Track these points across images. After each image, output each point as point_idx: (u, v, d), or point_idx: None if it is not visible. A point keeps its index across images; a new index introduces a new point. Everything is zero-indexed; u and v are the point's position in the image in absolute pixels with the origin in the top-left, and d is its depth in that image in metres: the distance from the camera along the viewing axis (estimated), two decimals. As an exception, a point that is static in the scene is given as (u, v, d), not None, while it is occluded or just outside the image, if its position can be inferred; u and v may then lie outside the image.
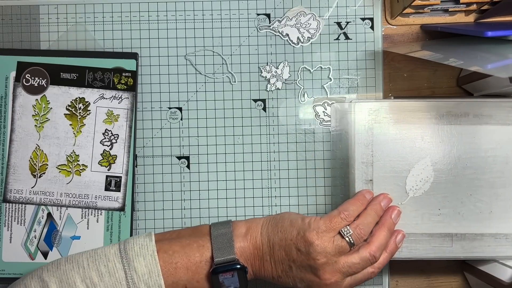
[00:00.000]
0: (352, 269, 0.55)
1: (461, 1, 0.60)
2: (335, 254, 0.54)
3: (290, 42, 0.66)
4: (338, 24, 0.66)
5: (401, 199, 0.61)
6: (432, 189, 0.61)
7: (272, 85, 0.66)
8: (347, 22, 0.66)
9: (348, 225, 0.55)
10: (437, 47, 0.61)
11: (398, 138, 0.61)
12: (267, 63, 0.66)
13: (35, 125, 0.63)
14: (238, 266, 0.55)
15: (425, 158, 0.61)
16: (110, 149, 0.63)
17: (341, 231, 0.55)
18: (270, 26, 0.66)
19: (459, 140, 0.60)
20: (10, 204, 0.63)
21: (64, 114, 0.63)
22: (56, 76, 0.63)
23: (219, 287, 0.55)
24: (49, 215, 0.63)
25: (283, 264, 0.56)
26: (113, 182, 0.63)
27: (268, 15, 0.66)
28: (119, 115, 0.64)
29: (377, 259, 0.56)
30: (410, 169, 0.61)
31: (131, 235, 0.64)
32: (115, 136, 0.64)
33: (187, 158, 0.66)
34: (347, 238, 0.55)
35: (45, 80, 0.63)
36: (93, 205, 0.63)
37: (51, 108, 0.63)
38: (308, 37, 0.66)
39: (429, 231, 0.61)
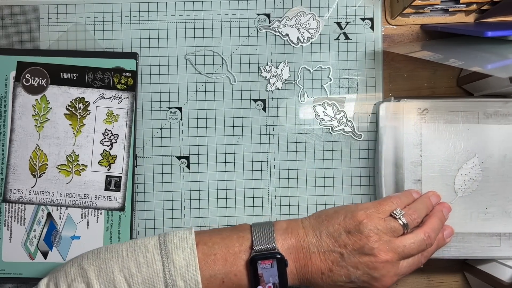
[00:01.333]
0: (408, 250, 0.53)
1: (461, 1, 0.60)
2: (386, 232, 0.53)
3: (290, 42, 0.66)
4: (338, 24, 0.66)
5: (450, 199, 0.61)
6: (480, 188, 0.61)
7: (272, 85, 0.66)
8: (347, 22, 0.66)
9: (400, 208, 0.55)
10: (437, 47, 0.61)
11: (446, 137, 0.61)
12: (267, 63, 0.66)
13: (35, 125, 0.63)
14: (278, 256, 0.53)
15: (473, 157, 0.61)
16: (110, 149, 0.63)
17: (393, 213, 0.54)
18: (270, 26, 0.66)
19: (507, 139, 0.61)
20: (10, 204, 0.63)
21: (64, 114, 0.63)
22: (56, 76, 0.63)
23: (257, 280, 0.53)
24: (49, 215, 0.63)
25: (333, 253, 0.53)
26: (113, 182, 0.63)
27: (268, 15, 0.66)
28: (119, 115, 0.64)
29: (432, 242, 0.54)
30: (459, 169, 0.61)
31: (131, 235, 0.64)
32: (115, 136, 0.64)
33: (187, 158, 0.66)
34: (399, 220, 0.53)
35: (45, 80, 0.63)
36: (93, 205, 0.63)
37: (51, 108, 0.63)
38: (308, 37, 0.66)
39: (477, 231, 0.61)
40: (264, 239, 0.54)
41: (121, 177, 0.63)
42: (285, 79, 0.66)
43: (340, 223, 0.54)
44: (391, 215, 0.54)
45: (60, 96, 0.63)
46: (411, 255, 0.54)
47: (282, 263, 0.53)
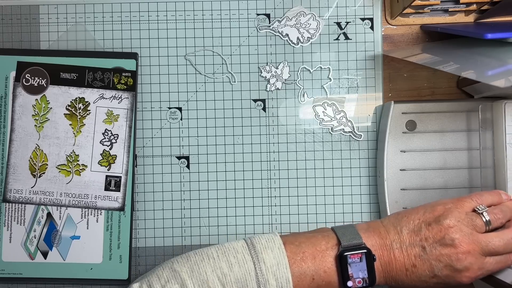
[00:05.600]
0: (493, 247, 0.53)
1: (461, 1, 0.60)
2: (468, 225, 0.53)
3: (290, 42, 0.66)
4: (338, 24, 0.66)
5: None
6: None
7: (272, 85, 0.66)
8: (347, 22, 0.66)
9: (484, 205, 0.54)
10: (437, 50, 0.61)
11: None
12: (267, 63, 0.66)
13: (35, 125, 0.63)
14: (366, 251, 0.53)
15: None
16: (110, 149, 0.64)
17: (476, 208, 0.54)
18: (270, 26, 0.66)
19: None
20: (10, 204, 0.63)
21: (64, 114, 0.63)
22: (56, 76, 0.63)
23: (347, 275, 0.53)
24: (49, 215, 0.63)
25: (415, 247, 0.53)
26: (113, 182, 0.63)
27: (268, 15, 0.66)
28: (119, 115, 0.64)
29: None
30: None
31: (131, 235, 0.64)
32: (115, 136, 0.64)
33: (187, 158, 0.66)
34: (482, 216, 0.53)
35: (45, 80, 0.63)
36: (93, 205, 0.63)
37: (51, 108, 0.63)
38: (308, 37, 0.66)
39: None
40: (350, 236, 0.54)
41: (121, 177, 0.64)
42: (285, 79, 0.66)
43: (419, 218, 0.54)
44: (474, 211, 0.54)
45: (60, 96, 0.63)
46: (498, 253, 0.53)
47: (370, 257, 0.53)
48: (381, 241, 0.54)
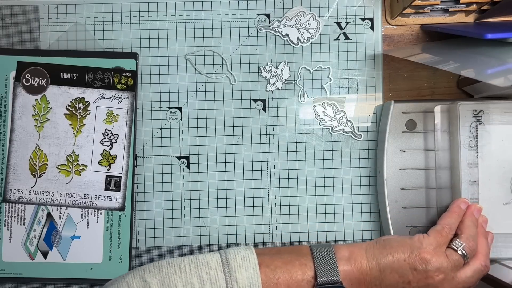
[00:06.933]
0: (468, 284, 0.54)
1: (461, 1, 0.60)
2: (452, 269, 0.53)
3: (290, 42, 0.66)
4: (338, 24, 0.66)
5: (506, 199, 0.61)
6: None
7: (272, 85, 0.66)
8: (347, 22, 0.66)
9: (458, 239, 0.55)
10: (437, 50, 0.61)
11: (502, 138, 0.61)
12: (267, 63, 0.66)
13: (35, 125, 0.63)
14: None
15: None
16: (110, 149, 0.64)
17: (453, 245, 0.54)
18: (270, 26, 0.66)
19: None
20: (10, 204, 0.63)
21: (64, 114, 0.63)
22: (56, 76, 0.63)
23: None
24: (49, 215, 0.63)
25: None
26: (113, 182, 0.63)
27: (268, 15, 0.66)
28: (119, 115, 0.64)
29: (489, 268, 0.56)
30: None
31: (131, 235, 0.64)
32: (115, 136, 0.64)
33: (187, 158, 0.66)
34: (460, 252, 0.54)
35: (45, 80, 0.63)
36: (93, 205, 0.63)
37: (51, 108, 0.63)
38: (308, 37, 0.66)
39: None
40: (327, 271, 0.53)
41: (121, 177, 0.64)
42: (285, 79, 0.66)
43: (406, 259, 0.54)
44: (451, 248, 0.55)
45: (60, 96, 0.63)
46: (472, 283, 0.55)
47: None
48: (360, 277, 0.54)
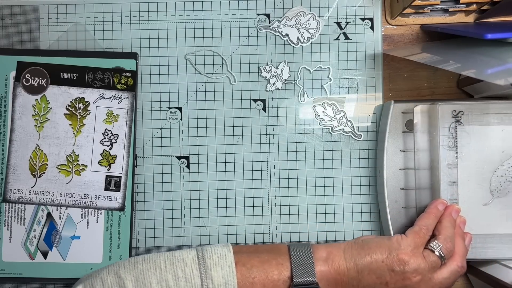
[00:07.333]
0: (444, 285, 0.55)
1: (461, 1, 0.60)
2: (429, 270, 0.54)
3: (290, 42, 0.66)
4: (338, 24, 0.66)
5: (485, 200, 0.61)
6: None
7: (272, 85, 0.66)
8: (347, 22, 0.66)
9: (436, 240, 0.55)
10: (437, 49, 0.61)
11: (481, 139, 0.61)
12: (267, 63, 0.66)
13: (35, 125, 0.63)
14: None
15: (509, 158, 0.61)
16: (110, 149, 0.64)
17: (430, 246, 0.55)
18: (270, 26, 0.66)
19: None
20: (10, 204, 0.63)
21: (64, 114, 0.63)
22: (56, 76, 0.63)
23: None
24: (49, 215, 0.63)
25: None
26: (113, 182, 0.63)
27: (268, 15, 0.66)
28: (119, 115, 0.64)
29: (465, 269, 0.56)
30: (495, 170, 0.61)
31: (131, 235, 0.64)
32: (115, 136, 0.64)
33: (187, 158, 0.66)
34: (437, 253, 0.54)
35: (45, 80, 0.63)
36: (93, 205, 0.63)
37: (51, 108, 0.63)
38: (308, 37, 0.66)
39: None
40: (304, 271, 0.53)
41: (121, 177, 0.64)
42: (285, 79, 0.66)
43: (383, 260, 0.54)
44: (429, 249, 0.55)
45: (60, 96, 0.63)
46: (449, 284, 0.56)
47: None
48: (337, 277, 0.54)
